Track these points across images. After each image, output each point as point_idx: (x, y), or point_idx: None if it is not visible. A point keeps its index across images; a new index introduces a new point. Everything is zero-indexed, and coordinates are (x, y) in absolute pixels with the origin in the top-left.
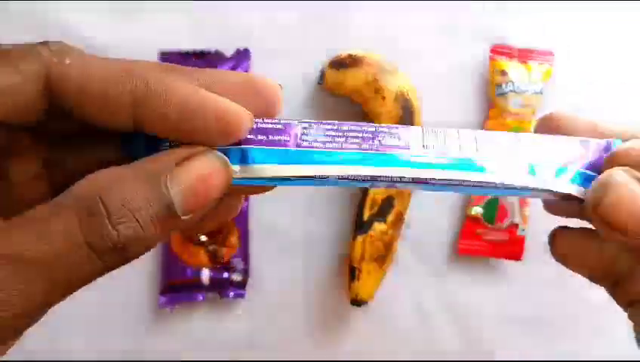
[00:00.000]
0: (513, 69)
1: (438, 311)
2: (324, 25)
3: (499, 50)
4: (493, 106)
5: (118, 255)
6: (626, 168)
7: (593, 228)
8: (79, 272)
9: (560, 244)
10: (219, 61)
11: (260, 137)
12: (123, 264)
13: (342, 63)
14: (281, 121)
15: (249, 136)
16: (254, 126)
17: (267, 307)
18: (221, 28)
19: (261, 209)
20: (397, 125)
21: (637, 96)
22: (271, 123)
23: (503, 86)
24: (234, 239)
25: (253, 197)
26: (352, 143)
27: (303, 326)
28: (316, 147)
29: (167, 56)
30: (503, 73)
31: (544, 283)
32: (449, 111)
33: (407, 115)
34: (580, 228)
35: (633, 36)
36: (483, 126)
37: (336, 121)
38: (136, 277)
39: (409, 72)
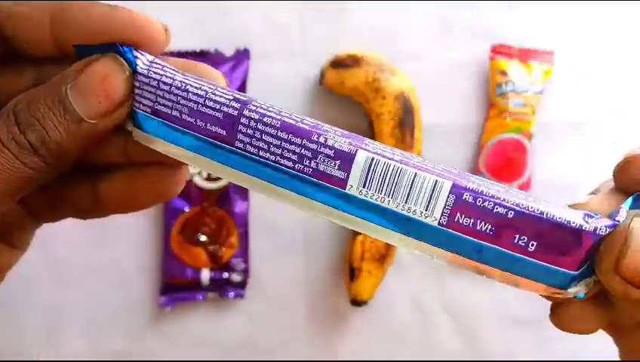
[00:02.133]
0: (513, 69)
1: (438, 311)
2: (324, 25)
3: (499, 50)
4: (493, 106)
5: (33, 156)
6: None
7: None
8: (5, 173)
9: (561, 317)
10: (219, 61)
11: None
12: (47, 167)
13: (342, 63)
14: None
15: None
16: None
17: (267, 307)
18: (221, 28)
19: (261, 209)
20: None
21: (637, 96)
22: (222, 94)
23: (503, 86)
24: (234, 239)
25: (253, 198)
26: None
27: (303, 326)
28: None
29: (167, 56)
30: (503, 73)
31: None
32: (449, 111)
33: (407, 115)
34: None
35: (633, 36)
36: (483, 126)
37: (286, 120)
38: (136, 277)
39: (409, 72)
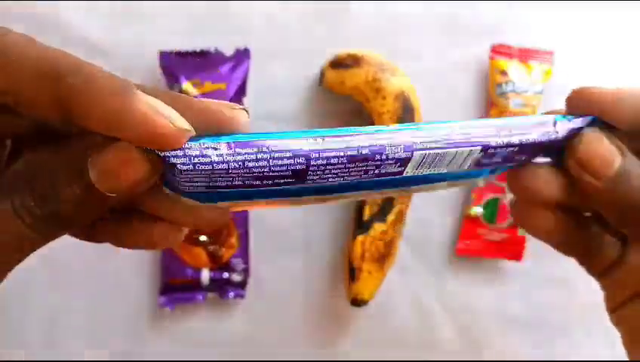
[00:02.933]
0: (513, 68)
1: (438, 310)
2: (324, 25)
3: (499, 50)
4: (493, 106)
5: (51, 225)
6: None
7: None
8: (15, 241)
9: (520, 212)
10: (219, 61)
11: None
12: (61, 232)
13: (342, 63)
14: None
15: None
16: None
17: (267, 307)
18: (221, 28)
19: (261, 209)
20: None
21: None
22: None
23: (503, 86)
24: (234, 239)
25: None
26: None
27: (303, 326)
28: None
29: (167, 56)
30: (503, 73)
31: (544, 283)
32: (449, 111)
33: (407, 115)
34: (537, 194)
35: (633, 36)
36: None
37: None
38: (136, 277)
39: (409, 72)
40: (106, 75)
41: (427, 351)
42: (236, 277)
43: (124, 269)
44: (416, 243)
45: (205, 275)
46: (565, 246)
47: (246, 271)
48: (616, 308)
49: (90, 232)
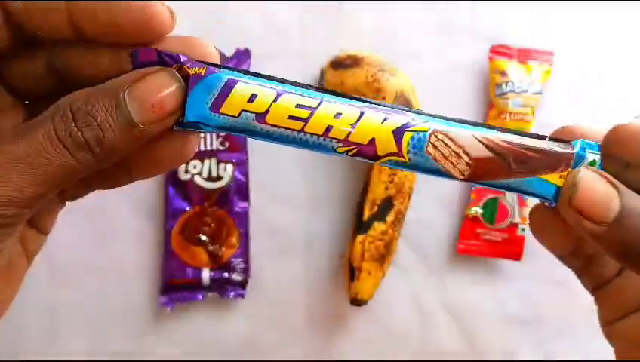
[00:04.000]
0: (513, 69)
1: (438, 311)
2: (324, 25)
3: (499, 50)
4: (492, 106)
5: (87, 153)
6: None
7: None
8: (58, 167)
9: (536, 221)
10: (224, 63)
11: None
12: (96, 164)
13: (342, 63)
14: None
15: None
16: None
17: (267, 307)
18: (221, 28)
19: (261, 209)
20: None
21: (637, 96)
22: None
23: (503, 86)
24: (234, 239)
25: (253, 198)
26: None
27: (303, 326)
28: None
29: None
30: (503, 73)
31: (544, 283)
32: (449, 111)
33: None
34: (554, 207)
35: (633, 36)
36: None
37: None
38: (136, 277)
39: (409, 72)
40: None
41: (427, 351)
42: (236, 277)
43: (124, 269)
44: (416, 243)
45: (205, 275)
46: (565, 259)
47: (246, 271)
48: (610, 323)
49: (123, 172)
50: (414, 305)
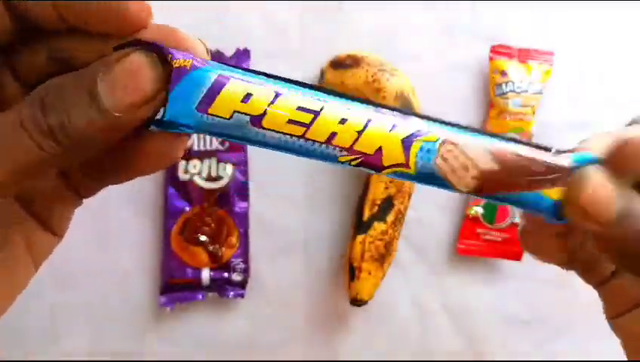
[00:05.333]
0: (513, 69)
1: (438, 310)
2: (324, 25)
3: (499, 50)
4: (493, 106)
5: (51, 141)
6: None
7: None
8: (20, 155)
9: (528, 242)
10: (219, 61)
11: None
12: (64, 154)
13: (342, 63)
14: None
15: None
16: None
17: (267, 307)
18: (221, 28)
19: (261, 209)
20: None
21: (637, 96)
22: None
23: (503, 86)
24: (234, 239)
25: (253, 198)
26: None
27: (303, 326)
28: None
29: None
30: (503, 73)
31: (544, 283)
32: (449, 111)
33: None
34: (542, 225)
35: (633, 36)
36: (483, 126)
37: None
38: (136, 276)
39: (409, 72)
40: None
41: (427, 351)
42: (236, 277)
43: (124, 269)
44: (416, 243)
45: (205, 275)
46: (565, 264)
47: (246, 271)
48: (615, 316)
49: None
50: (414, 305)
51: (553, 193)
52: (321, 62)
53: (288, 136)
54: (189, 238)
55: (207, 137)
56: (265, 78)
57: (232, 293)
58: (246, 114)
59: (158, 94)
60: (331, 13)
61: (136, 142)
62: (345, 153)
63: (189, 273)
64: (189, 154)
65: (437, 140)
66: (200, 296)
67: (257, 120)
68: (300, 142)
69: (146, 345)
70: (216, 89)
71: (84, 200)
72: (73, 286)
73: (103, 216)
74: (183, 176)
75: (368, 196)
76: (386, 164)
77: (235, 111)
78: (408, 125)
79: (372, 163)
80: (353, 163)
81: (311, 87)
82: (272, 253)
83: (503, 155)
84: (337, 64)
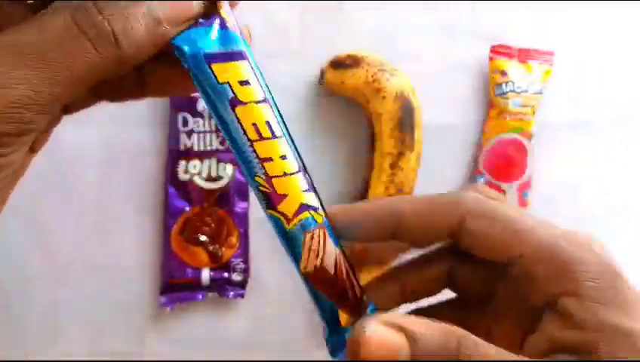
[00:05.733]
0: (513, 69)
1: None
2: (324, 25)
3: (499, 50)
4: (493, 106)
5: (111, 46)
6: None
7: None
8: (78, 62)
9: (379, 301)
10: None
11: None
12: (118, 61)
13: (342, 63)
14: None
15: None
16: None
17: (267, 307)
18: None
19: (261, 209)
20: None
21: (637, 96)
22: None
23: (503, 86)
24: (234, 239)
25: (253, 198)
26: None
27: (303, 326)
28: None
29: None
30: (503, 73)
31: None
32: (449, 111)
33: (407, 115)
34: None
35: (633, 36)
36: (483, 126)
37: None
38: (137, 276)
39: (409, 72)
40: None
41: None
42: (236, 277)
43: (124, 269)
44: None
45: (205, 275)
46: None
47: (246, 271)
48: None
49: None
50: (414, 305)
51: (344, 317)
52: (321, 62)
53: (242, 133)
54: (189, 238)
55: (208, 137)
56: (266, 85)
57: (232, 293)
58: (234, 93)
59: (198, 18)
60: (331, 13)
61: (150, 67)
62: (264, 178)
63: (189, 273)
64: (189, 155)
65: (320, 223)
66: (200, 296)
67: (236, 104)
68: (245, 144)
69: (146, 345)
70: (232, 57)
71: (85, 208)
72: (73, 286)
73: (103, 216)
74: (183, 176)
75: (368, 196)
76: (279, 208)
77: (227, 83)
78: (313, 197)
79: (272, 199)
80: (260, 188)
81: (284, 123)
82: (272, 253)
83: (340, 267)
84: (337, 64)
